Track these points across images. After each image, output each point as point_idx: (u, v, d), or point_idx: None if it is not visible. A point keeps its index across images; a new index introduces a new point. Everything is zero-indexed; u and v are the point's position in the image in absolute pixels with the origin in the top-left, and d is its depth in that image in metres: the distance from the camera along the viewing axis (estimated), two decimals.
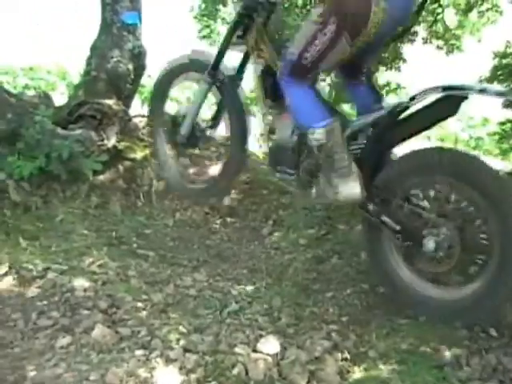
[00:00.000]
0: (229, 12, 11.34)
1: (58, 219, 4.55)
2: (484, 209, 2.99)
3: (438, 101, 3.06)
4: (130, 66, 5.37)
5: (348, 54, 3.28)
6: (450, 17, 13.57)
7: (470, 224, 3.13)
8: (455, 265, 3.11)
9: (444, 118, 3.18)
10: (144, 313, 3.31)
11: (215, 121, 4.15)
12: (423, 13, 11.69)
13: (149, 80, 20.59)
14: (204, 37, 11.16)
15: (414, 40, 12.92)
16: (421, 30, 13.21)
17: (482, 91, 2.93)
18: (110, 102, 5.16)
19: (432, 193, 3.25)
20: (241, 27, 3.78)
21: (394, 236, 3.25)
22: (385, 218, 3.25)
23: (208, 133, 4.16)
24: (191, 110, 4.04)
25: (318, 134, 3.23)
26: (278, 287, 3.75)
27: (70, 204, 4.72)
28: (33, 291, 3.47)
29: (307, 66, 3.26)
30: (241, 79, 3.98)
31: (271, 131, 3.74)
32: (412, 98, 3.13)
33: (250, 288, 3.76)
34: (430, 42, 13.70)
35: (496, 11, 12.80)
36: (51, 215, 4.58)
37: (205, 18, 11.15)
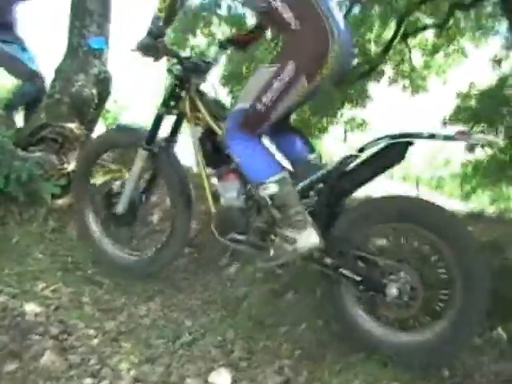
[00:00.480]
0: (198, 42, 11.40)
1: (13, 241, 4.48)
2: (441, 247, 3.02)
3: (385, 148, 3.10)
4: (95, 91, 5.33)
5: (302, 98, 3.31)
6: (417, 57, 13.83)
7: (427, 262, 3.14)
8: (420, 307, 3.10)
9: (392, 165, 3.19)
10: (95, 340, 3.27)
11: (150, 190, 4.18)
12: (390, 52, 11.91)
13: (114, 105, 20.58)
14: (172, 65, 11.14)
15: (381, 79, 13.13)
16: (388, 68, 13.43)
17: (431, 137, 2.98)
18: (73, 125, 5.12)
19: (387, 239, 3.26)
20: (175, 94, 3.80)
21: (355, 287, 3.22)
22: (344, 271, 3.22)
23: (145, 204, 4.20)
24: (128, 184, 4.01)
25: (270, 188, 3.22)
26: (232, 320, 3.72)
27: (26, 227, 4.66)
28: None
29: (260, 116, 3.27)
30: (175, 142, 4.00)
31: (215, 197, 3.69)
32: (361, 149, 3.14)
33: (203, 320, 3.73)
34: (396, 82, 13.92)
35: (461, 53, 13.07)
36: (7, 237, 4.51)
37: (174, 47, 11.16)
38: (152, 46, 3.54)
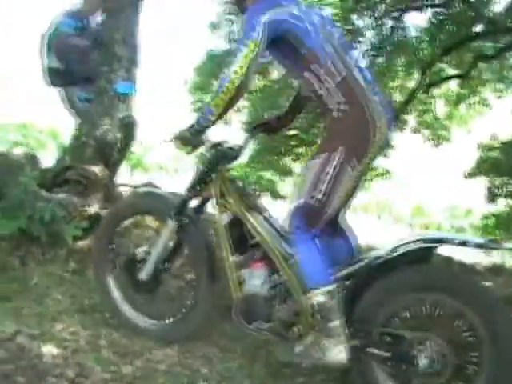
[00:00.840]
0: None
1: (33, 282, 4.50)
2: (465, 312, 3.02)
3: (414, 250, 3.14)
4: (119, 135, 5.39)
5: (356, 182, 3.38)
6: (440, 107, 13.82)
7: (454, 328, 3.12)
8: (452, 373, 3.07)
9: (418, 265, 3.22)
10: None
11: (174, 258, 4.08)
12: (414, 102, 11.92)
13: (138, 146, 20.65)
14: (198, 110, 11.24)
15: (404, 128, 13.12)
16: (411, 118, 13.44)
17: (463, 244, 3.04)
18: (96, 168, 5.18)
19: (412, 310, 3.22)
20: (204, 179, 3.75)
21: (384, 363, 3.21)
22: (371, 350, 3.21)
23: (169, 274, 4.12)
24: (153, 252, 3.94)
25: (320, 297, 3.21)
26: (249, 368, 3.71)
27: (47, 267, 4.68)
28: (0, 354, 3.40)
29: (320, 207, 3.27)
30: (203, 213, 3.97)
31: (239, 283, 3.64)
32: (393, 250, 3.17)
33: (220, 367, 3.71)
34: (419, 132, 13.91)
35: (484, 104, 13.06)
36: (27, 277, 4.54)
37: (198, 92, 11.27)
38: (191, 142, 3.49)
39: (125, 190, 5.56)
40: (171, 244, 3.95)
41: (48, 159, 6.09)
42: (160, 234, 3.93)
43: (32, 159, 5.46)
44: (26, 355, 3.39)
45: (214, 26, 10.87)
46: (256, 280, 3.54)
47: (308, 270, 3.29)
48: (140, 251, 4.03)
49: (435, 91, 12.73)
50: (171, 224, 3.83)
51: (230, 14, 10.83)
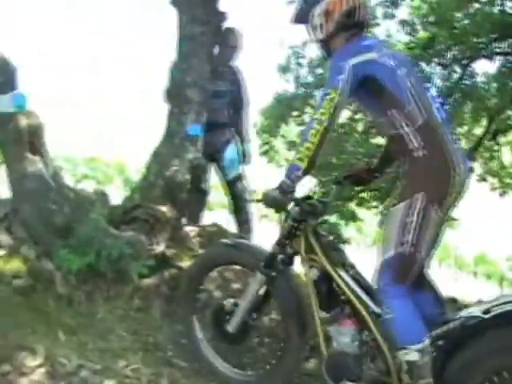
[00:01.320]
0: (288, 130, 11.56)
1: (98, 316, 4.59)
2: None
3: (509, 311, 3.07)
4: (188, 177, 5.50)
5: (440, 226, 3.35)
6: (507, 156, 13.63)
7: None
8: None
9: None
10: None
11: (260, 312, 4.04)
12: (480, 149, 11.78)
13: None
14: (264, 153, 11.35)
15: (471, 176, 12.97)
16: (477, 166, 13.28)
17: None
18: (164, 208, 5.28)
19: (505, 376, 3.11)
20: (291, 235, 3.72)
21: None
22: None
23: (257, 326, 4.10)
24: (241, 305, 3.90)
25: (412, 355, 3.16)
26: None
27: (112, 303, 4.76)
28: None
29: (408, 259, 3.24)
30: (290, 271, 3.94)
31: (327, 339, 3.61)
32: (486, 312, 3.08)
33: None
34: (485, 180, 13.71)
35: None
36: (92, 312, 4.62)
37: (265, 135, 11.37)
38: (281, 202, 3.42)
39: (191, 230, 5.62)
40: (259, 296, 3.92)
41: (114, 193, 6.21)
42: (248, 286, 3.92)
43: (102, 196, 5.58)
44: None
45: (283, 70, 11.00)
46: (344, 338, 3.50)
47: (400, 328, 3.24)
48: (227, 302, 4.02)
49: (502, 139, 12.58)
50: (260, 277, 3.80)
51: (299, 57, 10.96)
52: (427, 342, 3.18)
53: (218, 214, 22.58)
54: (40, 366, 3.69)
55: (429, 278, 3.58)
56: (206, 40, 5.71)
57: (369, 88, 3.33)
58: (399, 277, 3.27)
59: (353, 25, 3.51)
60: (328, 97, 3.19)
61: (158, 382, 3.85)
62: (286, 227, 3.72)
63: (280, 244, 3.76)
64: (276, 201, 3.38)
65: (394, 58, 3.42)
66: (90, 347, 4.15)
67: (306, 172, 3.28)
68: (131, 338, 4.44)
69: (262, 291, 3.89)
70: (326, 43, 3.64)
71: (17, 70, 4.87)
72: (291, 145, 11.17)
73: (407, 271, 3.28)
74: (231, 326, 3.91)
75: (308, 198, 3.77)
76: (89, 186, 21.76)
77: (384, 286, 3.31)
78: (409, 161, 3.31)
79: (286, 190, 3.33)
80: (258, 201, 3.60)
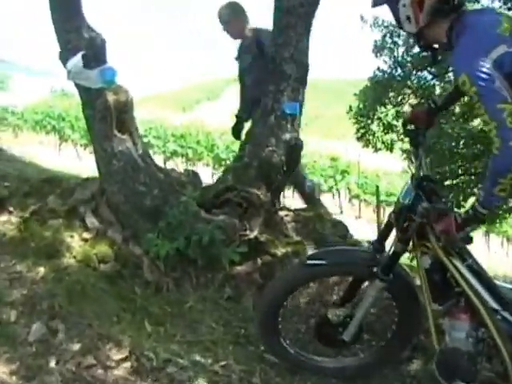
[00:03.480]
0: (385, 112, 11.13)
1: (187, 306, 4.36)
2: None
3: None
4: (284, 158, 5.15)
5: None
6: None
7: None
8: None
9: None
10: None
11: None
12: None
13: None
14: (361, 137, 10.96)
15: None
16: None
17: None
18: (259, 191, 4.96)
19: None
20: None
21: None
22: None
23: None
24: (359, 315, 3.60)
25: None
26: None
27: (201, 291, 4.52)
28: None
29: None
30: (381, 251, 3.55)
31: (440, 333, 3.28)
32: None
33: None
34: None
35: None
36: (181, 300, 4.40)
37: (362, 118, 10.95)
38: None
39: (286, 215, 5.29)
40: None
41: (203, 170, 5.93)
42: (366, 295, 3.59)
43: (194, 177, 5.32)
44: None
45: (379, 49, 10.57)
46: (459, 333, 3.18)
47: None
48: (332, 314, 3.68)
49: None
50: (379, 284, 3.48)
51: (394, 36, 10.51)
52: None
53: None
54: (125, 359, 3.49)
55: None
56: (303, 12, 5.31)
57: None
58: None
59: (451, 8, 3.06)
60: (506, 113, 2.74)
61: (250, 380, 3.58)
62: (415, 224, 3.28)
63: (403, 241, 3.38)
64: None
65: None
66: (177, 339, 3.94)
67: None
68: (221, 330, 4.20)
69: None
70: (421, 36, 3.23)
71: (105, 42, 4.62)
72: (388, 127, 10.73)
73: None
74: (347, 336, 3.63)
75: (424, 179, 3.38)
76: (178, 164, 21.94)
77: None
78: None
79: (481, 219, 3.00)
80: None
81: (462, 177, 10.62)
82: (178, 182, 4.99)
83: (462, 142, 10.12)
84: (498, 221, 13.59)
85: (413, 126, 3.70)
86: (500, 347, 3.00)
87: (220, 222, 4.64)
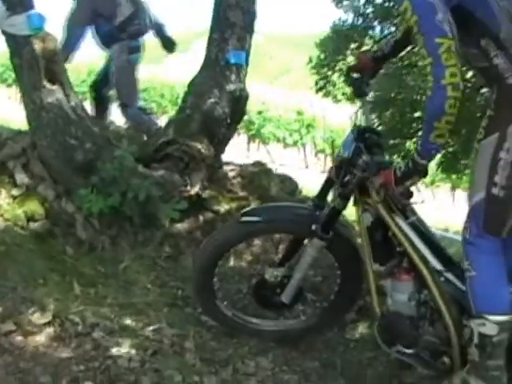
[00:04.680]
0: (347, 64, 10.90)
1: (122, 266, 4.18)
2: None
3: None
4: (228, 110, 4.92)
5: None
6: None
7: None
8: None
9: None
10: None
11: None
12: None
13: (259, 117, 20.34)
14: (320, 88, 10.70)
15: None
16: None
17: None
18: (201, 145, 4.73)
19: None
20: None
21: None
22: None
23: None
24: (297, 275, 3.42)
25: (489, 327, 2.69)
26: None
27: (138, 250, 4.34)
28: (72, 351, 3.06)
29: (501, 203, 2.68)
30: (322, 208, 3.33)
31: (381, 295, 3.14)
32: None
33: None
34: None
35: None
36: (116, 260, 4.23)
37: (322, 69, 10.68)
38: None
39: (231, 170, 5.08)
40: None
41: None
42: (303, 254, 3.40)
43: (135, 131, 5.10)
44: (100, 354, 3.06)
45: (340, 0, 10.31)
46: (401, 295, 3.04)
47: (482, 291, 2.75)
48: (270, 274, 3.51)
49: None
50: (318, 242, 3.29)
51: None
52: (510, 318, 2.69)
53: (272, 147, 22.37)
54: (48, 324, 3.27)
55: None
56: None
57: (455, 19, 2.64)
58: (492, 225, 2.72)
59: None
60: (442, 49, 2.53)
61: (182, 345, 3.36)
62: (355, 178, 3.09)
63: (344, 196, 3.18)
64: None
65: None
66: (108, 302, 3.74)
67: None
68: (157, 292, 4.03)
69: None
70: None
71: None
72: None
73: (501, 219, 2.71)
74: (286, 298, 3.47)
75: (366, 130, 3.19)
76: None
77: (472, 236, 2.77)
78: (499, 89, 2.73)
79: (423, 170, 2.78)
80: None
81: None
82: (115, 136, 4.75)
83: (424, 95, 9.96)
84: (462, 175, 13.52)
85: (357, 75, 3.50)
86: (442, 311, 2.88)
87: (158, 177, 4.44)
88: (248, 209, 3.64)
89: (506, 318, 2.67)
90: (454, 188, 25.33)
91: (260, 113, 22.55)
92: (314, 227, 3.25)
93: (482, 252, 2.74)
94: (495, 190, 2.64)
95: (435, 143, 2.63)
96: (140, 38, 6.51)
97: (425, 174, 2.78)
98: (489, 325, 2.67)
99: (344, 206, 3.22)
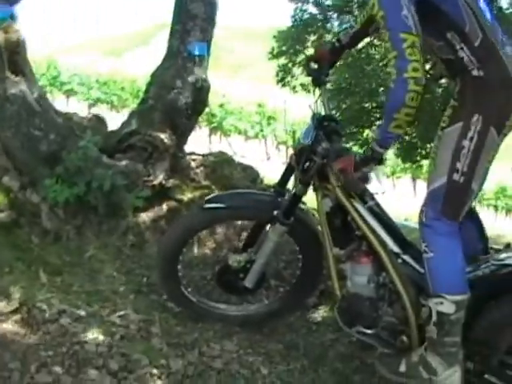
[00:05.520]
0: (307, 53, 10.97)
1: (87, 255, 4.22)
2: None
3: None
4: (190, 100, 4.97)
5: (494, 153, 2.88)
6: None
7: None
8: None
9: None
10: (158, 382, 2.93)
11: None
12: None
13: (220, 110, 20.30)
14: (281, 80, 10.74)
15: None
16: None
17: None
18: (163, 135, 4.78)
19: None
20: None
21: None
22: (490, 378, 2.81)
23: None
24: (260, 260, 3.48)
25: (446, 306, 2.76)
26: (313, 372, 3.29)
27: (103, 239, 4.38)
28: (39, 337, 3.10)
29: (461, 188, 2.80)
30: (283, 195, 3.43)
31: (341, 278, 3.21)
32: None
33: (281, 368, 3.29)
34: None
35: None
36: (81, 249, 4.26)
37: (282, 58, 10.71)
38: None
39: (194, 159, 5.14)
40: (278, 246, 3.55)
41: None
42: (266, 239, 3.47)
43: (97, 122, 5.12)
44: (68, 340, 3.10)
45: None
46: (360, 277, 3.11)
47: (440, 271, 2.82)
48: (233, 260, 3.57)
49: None
50: (279, 228, 3.36)
51: None
52: (467, 296, 2.77)
53: (234, 139, 22.39)
54: (15, 311, 3.31)
55: (472, 206, 3.14)
56: None
57: (422, 12, 2.74)
58: (450, 209, 2.82)
59: None
60: (406, 44, 2.62)
61: (149, 329, 3.42)
62: (314, 165, 3.16)
63: (304, 183, 3.26)
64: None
65: None
66: (74, 289, 3.78)
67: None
68: (123, 279, 4.08)
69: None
70: None
71: None
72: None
73: (459, 204, 2.84)
74: (249, 282, 3.54)
75: (325, 118, 3.27)
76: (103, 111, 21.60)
77: (429, 219, 2.86)
78: (464, 80, 2.83)
79: (380, 159, 2.87)
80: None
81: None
82: (79, 127, 4.78)
83: (382, 86, 10.09)
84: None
85: (316, 65, 3.58)
86: (400, 292, 2.96)
87: (122, 167, 4.49)
88: (211, 196, 3.70)
89: (462, 297, 2.75)
90: (414, 179, 25.69)
91: (221, 105, 22.64)
92: (275, 213, 3.33)
93: (438, 234, 2.83)
94: (456, 176, 2.75)
95: (393, 133, 2.74)
96: None
97: (382, 161, 2.89)
98: (446, 304, 2.75)
99: (304, 192, 3.30)
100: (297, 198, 3.31)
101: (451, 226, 2.83)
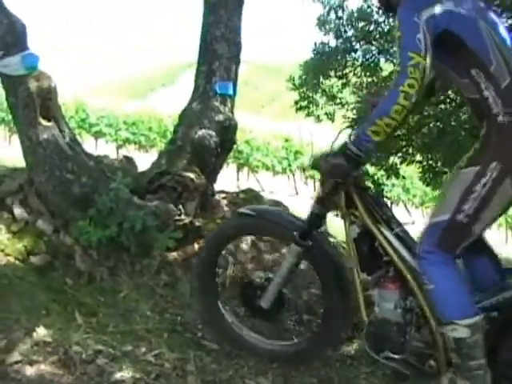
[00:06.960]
0: (330, 85, 11.02)
1: (121, 295, 4.25)
2: None
3: None
4: (218, 139, 5.05)
5: (506, 206, 2.90)
6: None
7: None
8: None
9: None
10: None
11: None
12: None
13: (246, 147, 20.20)
14: (300, 108, 10.76)
15: None
16: None
17: None
18: (193, 174, 4.85)
19: None
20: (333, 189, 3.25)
21: None
22: None
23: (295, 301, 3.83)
24: (275, 280, 3.51)
25: (460, 331, 2.80)
26: None
27: (136, 279, 4.41)
28: (77, 378, 3.15)
29: (461, 228, 2.83)
30: (324, 235, 3.56)
31: (369, 304, 3.25)
32: None
33: None
34: None
35: None
36: (115, 290, 4.29)
37: (304, 89, 10.77)
38: (345, 169, 2.96)
39: (223, 198, 5.21)
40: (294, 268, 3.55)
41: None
42: (284, 259, 3.54)
43: (127, 163, 5.20)
44: (105, 380, 3.15)
45: (323, 23, 10.45)
46: (387, 303, 3.13)
47: (443, 300, 2.87)
48: (257, 277, 3.68)
49: None
50: (295, 248, 3.40)
51: (338, 10, 10.39)
52: (479, 317, 2.80)
53: (262, 176, 22.43)
54: (52, 353, 3.35)
55: (484, 239, 3.15)
56: None
57: (446, 45, 2.82)
58: (446, 244, 2.86)
59: None
60: (411, 62, 2.67)
61: (184, 368, 3.45)
62: (328, 184, 3.23)
63: (321, 202, 3.31)
64: (340, 168, 2.95)
65: (472, 6, 2.89)
66: (110, 330, 3.80)
67: (378, 146, 2.90)
68: (157, 318, 4.10)
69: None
70: None
71: (26, 28, 4.45)
72: (332, 98, 10.65)
73: (457, 242, 2.89)
74: (265, 302, 3.55)
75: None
76: (131, 151, 21.81)
77: (424, 251, 2.91)
78: (489, 125, 2.84)
79: (352, 157, 2.90)
80: (314, 167, 3.18)
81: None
82: (109, 169, 4.85)
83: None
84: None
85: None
86: (428, 316, 3.00)
87: (153, 207, 4.54)
88: (247, 206, 3.85)
89: (474, 320, 2.78)
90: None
91: (247, 142, 22.73)
92: (294, 233, 3.37)
93: (434, 266, 2.87)
94: (460, 217, 2.79)
95: (370, 136, 2.79)
96: None
97: (356, 166, 2.97)
98: (460, 329, 2.78)
99: (322, 213, 3.35)
100: (314, 218, 3.35)
101: (445, 257, 2.87)
